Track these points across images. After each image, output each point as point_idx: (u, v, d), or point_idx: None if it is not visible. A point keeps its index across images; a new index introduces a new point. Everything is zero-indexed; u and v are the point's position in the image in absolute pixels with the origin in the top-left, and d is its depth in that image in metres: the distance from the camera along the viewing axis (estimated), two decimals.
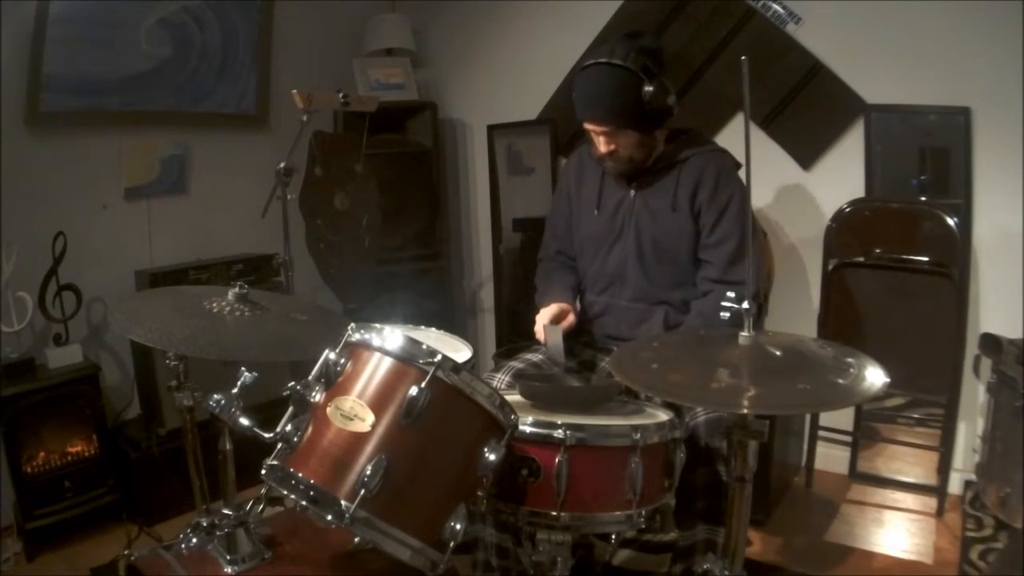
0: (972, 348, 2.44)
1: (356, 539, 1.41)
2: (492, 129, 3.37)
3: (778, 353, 1.34)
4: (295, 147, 2.14)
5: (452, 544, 1.20)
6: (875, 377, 1.25)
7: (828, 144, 2.67)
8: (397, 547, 1.15)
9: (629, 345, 1.60)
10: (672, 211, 1.91)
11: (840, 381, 1.25)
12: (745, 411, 1.22)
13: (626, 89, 1.78)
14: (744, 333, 1.36)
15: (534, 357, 1.96)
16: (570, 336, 2.07)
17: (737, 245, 1.84)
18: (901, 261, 2.50)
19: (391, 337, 1.22)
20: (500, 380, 1.83)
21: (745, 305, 1.34)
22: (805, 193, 2.74)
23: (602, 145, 1.90)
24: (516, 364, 1.91)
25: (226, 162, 3.10)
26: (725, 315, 1.37)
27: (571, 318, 1.95)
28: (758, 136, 2.69)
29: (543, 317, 1.92)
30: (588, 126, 1.91)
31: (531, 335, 1.99)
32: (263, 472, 1.21)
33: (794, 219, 2.78)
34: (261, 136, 3.19)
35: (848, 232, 2.56)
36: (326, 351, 1.25)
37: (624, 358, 1.45)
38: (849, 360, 1.32)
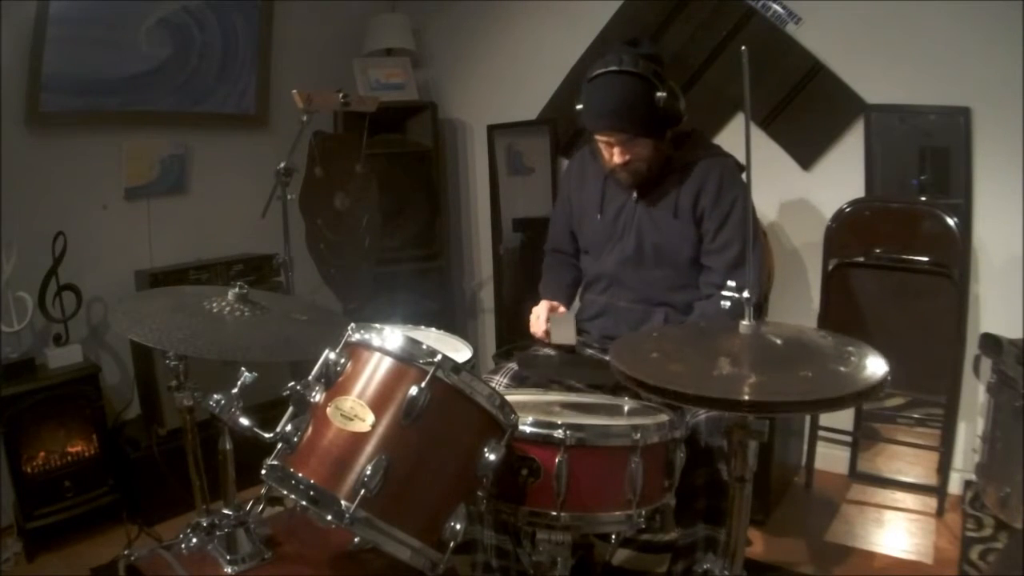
0: (972, 348, 2.43)
1: (356, 539, 1.42)
2: (492, 129, 3.36)
3: (779, 342, 1.34)
4: (295, 147, 2.15)
5: (452, 544, 1.20)
6: (876, 366, 1.23)
7: (828, 144, 2.67)
8: (397, 547, 1.15)
9: (629, 336, 1.60)
10: (674, 216, 1.90)
11: (841, 369, 1.24)
12: (746, 398, 1.19)
13: (641, 96, 1.75)
14: (745, 322, 1.35)
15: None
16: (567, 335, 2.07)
17: (740, 250, 1.83)
18: (901, 261, 2.50)
19: (391, 337, 1.22)
20: (498, 382, 1.83)
21: (746, 294, 1.34)
22: (805, 193, 2.74)
23: (616, 156, 1.85)
24: (514, 366, 1.91)
25: (226, 162, 3.10)
26: (726, 304, 1.36)
27: (561, 311, 1.99)
28: (758, 136, 2.69)
29: (539, 310, 1.97)
30: (602, 137, 1.86)
31: (531, 335, 1.99)
32: (263, 472, 1.21)
33: (794, 219, 2.78)
34: (261, 136, 3.19)
35: (848, 232, 2.56)
36: (326, 351, 1.25)
37: (624, 349, 1.44)
38: (849, 348, 1.31)
